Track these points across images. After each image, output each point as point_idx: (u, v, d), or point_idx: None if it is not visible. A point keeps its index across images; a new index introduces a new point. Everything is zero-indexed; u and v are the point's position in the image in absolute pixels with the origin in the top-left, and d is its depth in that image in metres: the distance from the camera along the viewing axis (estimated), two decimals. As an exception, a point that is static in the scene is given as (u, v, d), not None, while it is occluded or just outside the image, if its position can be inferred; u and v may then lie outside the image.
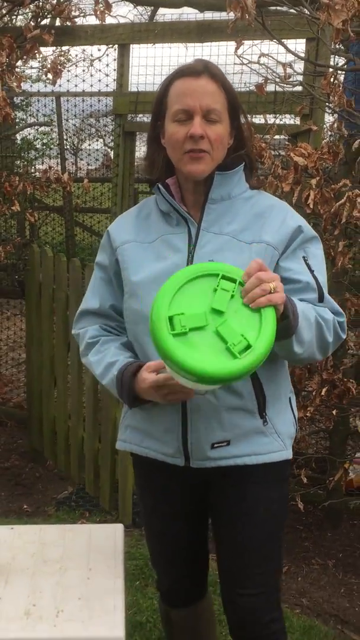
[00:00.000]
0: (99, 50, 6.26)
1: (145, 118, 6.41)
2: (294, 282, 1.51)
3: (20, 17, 6.31)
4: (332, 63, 2.98)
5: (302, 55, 3.28)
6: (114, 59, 4.73)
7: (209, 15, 5.11)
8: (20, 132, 8.25)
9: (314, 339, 1.47)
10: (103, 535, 2.09)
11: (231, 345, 1.25)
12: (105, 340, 1.62)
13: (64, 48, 6.33)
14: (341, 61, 3.16)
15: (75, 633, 1.71)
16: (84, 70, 6.89)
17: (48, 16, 4.42)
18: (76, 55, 9.17)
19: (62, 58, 6.52)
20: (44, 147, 9.56)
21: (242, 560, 1.61)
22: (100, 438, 3.13)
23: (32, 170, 6.21)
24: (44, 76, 6.63)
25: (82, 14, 6.13)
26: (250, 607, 1.61)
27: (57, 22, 4.23)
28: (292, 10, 2.86)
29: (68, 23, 4.01)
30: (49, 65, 3.73)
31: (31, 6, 3.97)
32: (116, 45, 4.63)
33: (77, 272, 3.17)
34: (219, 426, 1.52)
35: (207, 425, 1.53)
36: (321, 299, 1.52)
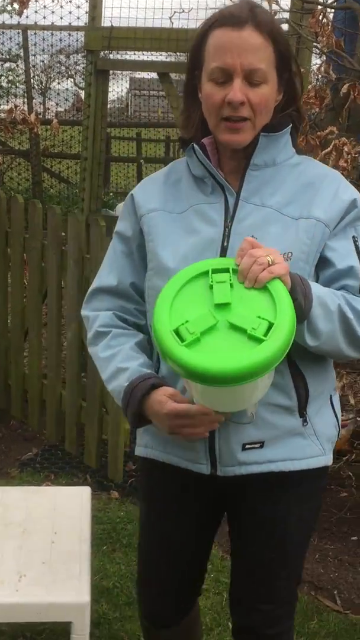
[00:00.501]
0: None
1: (119, 55, 6.13)
2: (334, 265, 1.33)
3: None
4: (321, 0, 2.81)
5: (290, -10, 3.11)
6: (87, -12, 4.44)
7: None
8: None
9: (336, 332, 1.29)
10: (69, 498, 2.04)
11: (252, 331, 1.13)
12: (118, 334, 1.42)
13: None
14: (330, -1, 2.98)
15: (38, 598, 1.67)
16: (53, 0, 6.50)
17: None
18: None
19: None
20: (9, 85, 9.16)
21: (268, 576, 1.48)
22: (83, 396, 3.04)
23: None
24: (9, 6, 6.25)
25: None
26: (270, 620, 1.51)
27: None
28: None
29: None
30: (14, -7, 3.44)
31: None
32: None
33: (56, 220, 3.02)
34: (252, 424, 1.34)
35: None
36: None
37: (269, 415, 1.34)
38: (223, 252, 1.31)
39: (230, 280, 1.20)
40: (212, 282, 1.21)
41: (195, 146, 1.37)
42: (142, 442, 1.48)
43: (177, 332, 1.16)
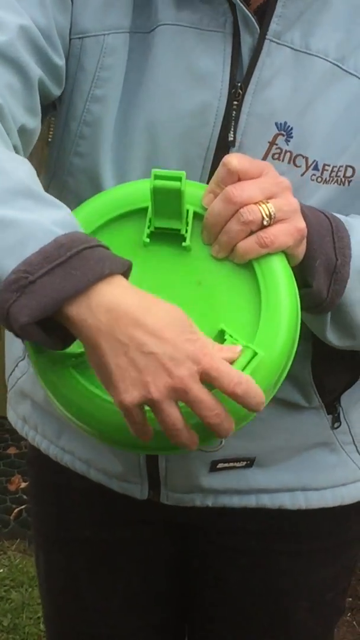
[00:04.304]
0: None
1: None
2: None
3: None
4: None
5: None
6: None
7: None
8: None
9: None
10: None
11: None
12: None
13: None
14: None
15: None
16: None
17: None
18: None
19: None
20: None
21: None
22: None
23: None
24: None
25: None
26: None
27: None
28: None
29: None
30: None
31: None
32: None
33: None
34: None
35: None
36: None
37: (267, 413, 0.75)
38: (219, 158, 0.71)
39: (186, 232, 0.70)
40: (148, 234, 0.71)
41: None
42: (18, 409, 0.97)
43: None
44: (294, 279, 0.70)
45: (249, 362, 0.65)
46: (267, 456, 0.87)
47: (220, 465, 0.86)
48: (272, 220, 0.66)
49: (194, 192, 0.70)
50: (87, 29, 0.75)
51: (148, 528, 0.95)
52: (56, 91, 0.76)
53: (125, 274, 0.61)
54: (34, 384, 0.91)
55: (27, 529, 2.01)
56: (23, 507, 2.15)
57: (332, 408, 0.86)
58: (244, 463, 0.87)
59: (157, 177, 0.66)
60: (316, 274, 0.71)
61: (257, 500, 0.89)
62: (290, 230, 0.68)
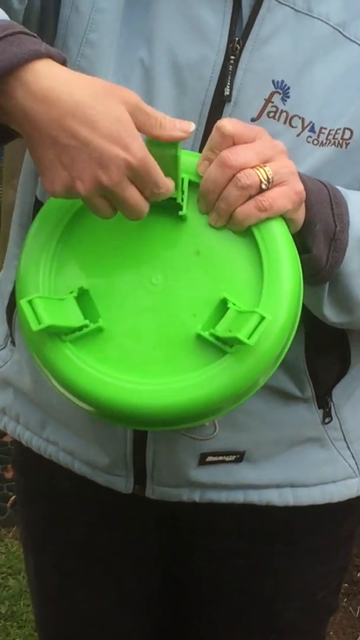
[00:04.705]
0: None
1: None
2: None
3: None
4: None
5: None
6: None
7: None
8: None
9: None
10: None
11: (206, 330, 0.66)
12: None
13: None
14: None
15: None
16: None
17: None
18: None
19: None
20: None
21: None
22: None
23: None
24: None
25: None
26: None
27: None
28: None
29: None
30: None
31: None
32: None
33: None
34: (225, 420, 0.80)
35: None
36: None
37: (258, 405, 0.82)
38: (217, 107, 0.75)
39: (182, 201, 0.69)
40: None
41: None
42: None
43: (57, 312, 0.67)
44: (294, 244, 0.69)
45: (256, 327, 0.64)
46: (257, 450, 0.86)
47: (209, 459, 0.85)
48: (271, 184, 0.65)
49: (188, 160, 0.68)
50: None
51: (138, 527, 0.95)
52: None
53: (63, 64, 0.63)
54: (19, 372, 0.90)
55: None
56: (20, 494, 2.17)
57: (324, 402, 0.86)
58: (234, 457, 0.86)
59: (151, 144, 0.64)
60: (316, 238, 0.71)
61: (244, 497, 0.87)
62: (288, 193, 0.67)
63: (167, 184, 0.64)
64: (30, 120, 0.60)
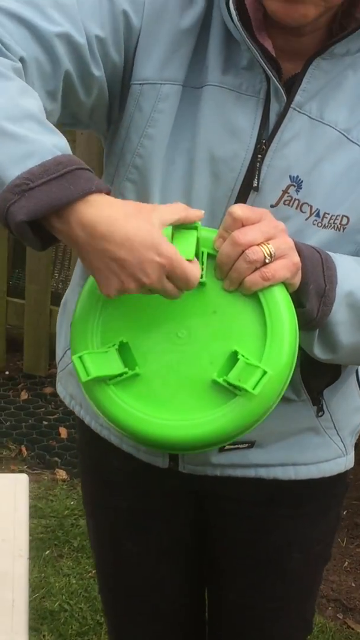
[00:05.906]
0: None
1: None
2: None
3: None
4: None
5: None
6: None
7: None
8: None
9: None
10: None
11: (221, 376, 0.83)
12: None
13: None
14: None
15: None
16: None
17: None
18: None
19: None
20: None
21: (261, 635, 1.20)
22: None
23: None
24: None
25: None
26: None
27: None
28: None
29: None
30: None
31: None
32: None
33: None
34: None
35: None
36: None
37: None
38: (243, 194, 0.93)
39: (202, 270, 0.84)
40: None
41: (230, 1, 0.88)
42: (64, 382, 1.16)
43: (101, 363, 0.85)
44: (292, 305, 0.85)
45: (260, 379, 0.81)
46: (265, 439, 1.05)
47: (227, 447, 1.03)
48: (273, 257, 0.82)
49: (207, 236, 0.84)
50: (147, 77, 0.92)
51: (174, 495, 1.16)
52: (82, 96, 0.90)
53: (108, 194, 0.78)
54: None
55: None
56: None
57: (317, 400, 1.04)
58: (247, 445, 1.05)
59: (176, 229, 0.82)
60: (309, 295, 0.87)
61: (255, 472, 1.07)
62: (287, 265, 0.83)
63: (194, 277, 0.79)
64: (75, 245, 0.77)
